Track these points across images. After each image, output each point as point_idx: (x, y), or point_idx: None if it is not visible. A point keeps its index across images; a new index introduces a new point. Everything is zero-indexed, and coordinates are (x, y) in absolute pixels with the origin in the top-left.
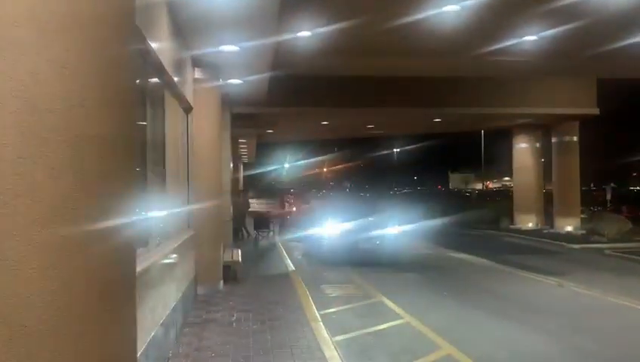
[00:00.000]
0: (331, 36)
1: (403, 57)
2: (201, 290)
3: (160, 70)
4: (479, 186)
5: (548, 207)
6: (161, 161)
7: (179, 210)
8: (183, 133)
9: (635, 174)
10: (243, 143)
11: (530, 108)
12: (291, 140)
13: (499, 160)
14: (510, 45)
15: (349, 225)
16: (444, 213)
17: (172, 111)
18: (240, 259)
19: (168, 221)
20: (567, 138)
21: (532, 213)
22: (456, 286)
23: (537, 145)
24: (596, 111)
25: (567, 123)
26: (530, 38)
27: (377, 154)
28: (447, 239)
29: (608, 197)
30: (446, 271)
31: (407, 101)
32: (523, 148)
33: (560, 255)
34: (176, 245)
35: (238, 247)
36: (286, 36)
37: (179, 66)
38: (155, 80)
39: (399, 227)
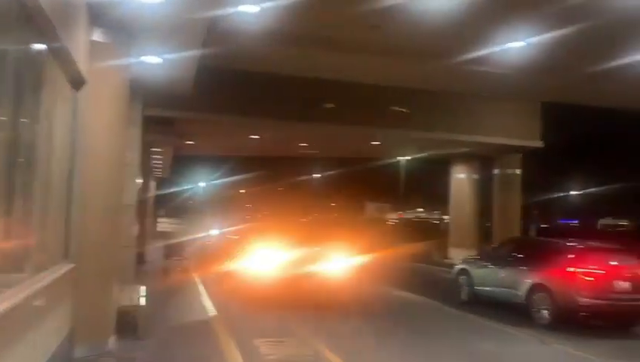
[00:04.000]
0: (280, 18)
1: (367, 55)
2: (80, 351)
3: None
4: (393, 216)
5: (488, 241)
6: (29, 159)
7: (50, 232)
8: (67, 118)
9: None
10: (157, 154)
11: (476, 136)
12: (217, 155)
13: (418, 190)
14: (490, 54)
15: (284, 255)
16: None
17: (50, 84)
18: (143, 302)
19: (30, 248)
20: (509, 171)
21: (467, 246)
22: (428, 344)
23: (476, 176)
24: (539, 143)
25: (510, 155)
26: (517, 44)
27: (302, 178)
28: (388, 274)
29: (532, 233)
30: (403, 317)
31: (345, 118)
32: (461, 179)
33: None
34: (39, 286)
35: (143, 283)
36: (226, 7)
37: (65, 13)
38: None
39: (341, 259)
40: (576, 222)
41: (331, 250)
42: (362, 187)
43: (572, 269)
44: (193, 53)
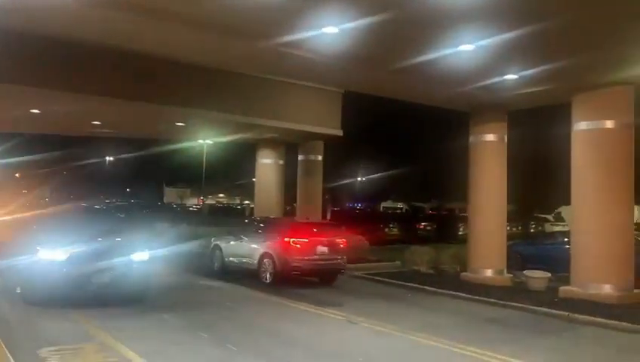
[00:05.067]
0: None
1: (179, 25)
2: None
3: None
4: (194, 202)
5: None
6: None
7: None
8: None
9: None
10: None
11: (282, 122)
12: None
13: (221, 174)
14: (305, 38)
15: (76, 249)
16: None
17: None
18: None
19: None
20: (312, 157)
21: None
22: (231, 328)
23: (281, 162)
24: (339, 132)
25: (313, 142)
26: (331, 29)
27: (93, 160)
28: (192, 261)
29: (328, 217)
30: (211, 306)
31: (141, 94)
32: (267, 164)
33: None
34: None
35: None
36: None
37: None
38: None
39: (147, 252)
40: (362, 205)
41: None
42: (162, 171)
43: (287, 239)
44: None
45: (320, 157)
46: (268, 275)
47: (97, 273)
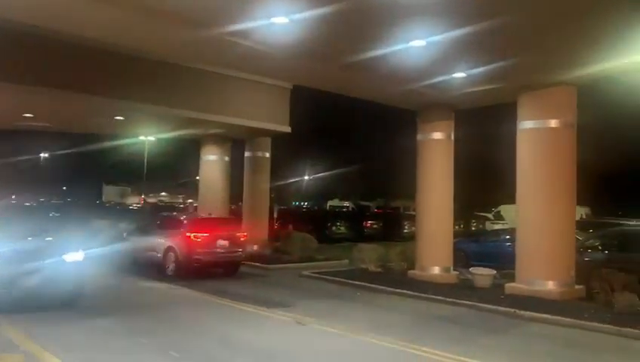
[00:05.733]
0: None
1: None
2: None
3: None
4: (135, 201)
5: None
6: None
7: None
8: None
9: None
10: None
11: (228, 117)
12: None
13: (164, 172)
14: (254, 28)
15: (1, 249)
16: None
17: None
18: None
19: None
20: (259, 153)
21: None
22: (173, 332)
23: (227, 158)
24: (287, 128)
25: (261, 138)
26: (280, 19)
27: (26, 156)
28: (128, 262)
29: (275, 215)
30: (150, 309)
31: (77, 85)
32: (212, 160)
33: (264, 278)
34: None
35: None
36: None
37: None
38: None
39: (82, 252)
40: (308, 204)
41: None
42: (102, 168)
43: (189, 234)
44: None
45: (267, 154)
46: (172, 267)
47: (25, 275)
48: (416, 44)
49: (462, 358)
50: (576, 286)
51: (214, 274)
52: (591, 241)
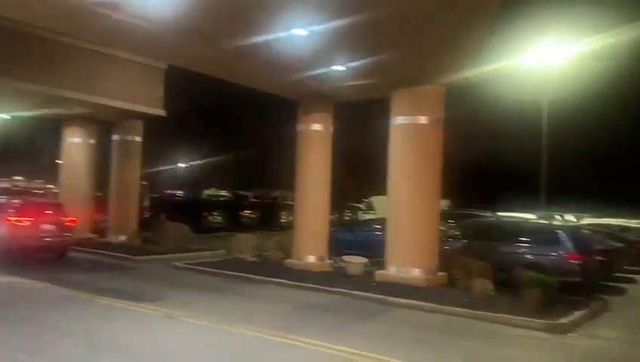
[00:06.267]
0: None
1: None
2: None
3: None
4: None
5: (101, 212)
6: None
7: None
8: None
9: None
10: None
11: (96, 97)
12: None
13: (20, 154)
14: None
15: None
16: None
17: None
18: None
19: None
20: (129, 137)
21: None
22: (25, 332)
23: (92, 141)
24: (162, 112)
25: (131, 121)
26: None
27: None
28: None
29: (146, 203)
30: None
31: None
32: (75, 143)
33: (132, 270)
34: None
35: None
36: None
37: None
38: None
39: None
40: (182, 192)
41: None
42: None
43: (11, 219)
44: None
45: (138, 139)
46: None
47: None
48: (297, 33)
49: (335, 346)
50: (440, 274)
51: (45, 261)
52: (451, 231)
